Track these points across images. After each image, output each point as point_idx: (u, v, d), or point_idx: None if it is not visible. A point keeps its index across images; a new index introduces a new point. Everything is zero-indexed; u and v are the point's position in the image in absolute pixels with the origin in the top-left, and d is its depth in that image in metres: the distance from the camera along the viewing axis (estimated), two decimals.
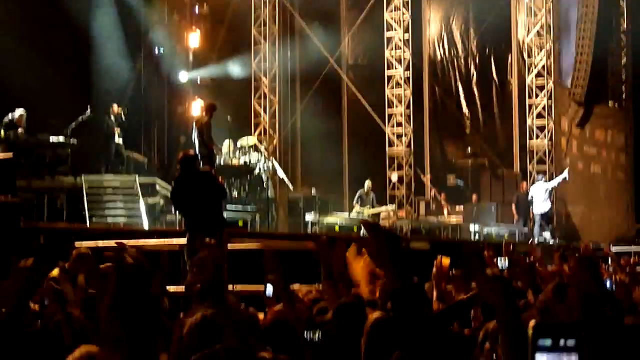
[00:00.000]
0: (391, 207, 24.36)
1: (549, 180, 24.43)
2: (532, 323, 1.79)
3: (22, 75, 20.16)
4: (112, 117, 21.05)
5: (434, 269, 7.02)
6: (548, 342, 1.73)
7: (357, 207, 23.05)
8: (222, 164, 20.37)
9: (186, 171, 14.03)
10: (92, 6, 22.91)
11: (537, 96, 25.84)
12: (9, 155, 17.00)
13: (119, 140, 20.90)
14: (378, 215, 23.29)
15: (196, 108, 23.60)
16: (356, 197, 23.46)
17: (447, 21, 28.41)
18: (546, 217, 24.12)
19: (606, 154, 29.71)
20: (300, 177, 25.82)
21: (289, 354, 4.88)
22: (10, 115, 18.73)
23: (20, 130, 18.60)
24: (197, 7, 26.81)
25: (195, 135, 18.95)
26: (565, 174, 24.43)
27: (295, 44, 28.21)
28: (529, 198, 24.24)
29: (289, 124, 27.97)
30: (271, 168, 22.22)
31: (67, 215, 18.04)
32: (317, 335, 5.12)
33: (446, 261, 8.15)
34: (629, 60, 30.41)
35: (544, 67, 25.76)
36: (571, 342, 1.72)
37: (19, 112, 18.70)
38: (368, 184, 24.03)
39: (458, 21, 28.27)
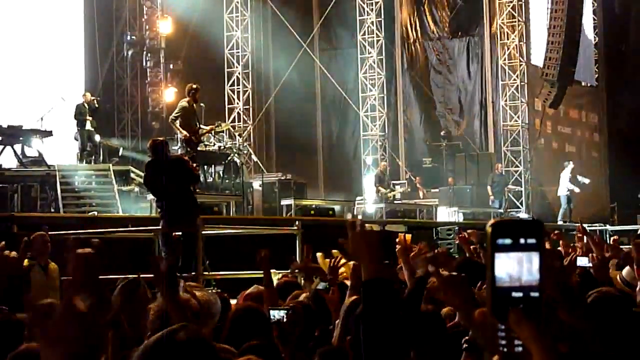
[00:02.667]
0: (401, 189, 24.44)
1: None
2: (491, 221, 1.74)
3: None
4: (85, 105, 20.96)
5: (398, 247, 6.99)
6: (507, 241, 1.69)
7: (381, 189, 23.17)
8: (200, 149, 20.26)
9: (156, 157, 13.96)
10: None
11: (509, 77, 25.90)
12: None
13: (90, 127, 20.80)
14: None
15: (169, 94, 23.57)
16: (374, 179, 23.60)
17: (420, 3, 28.30)
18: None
19: (580, 133, 29.87)
20: (275, 161, 25.67)
21: (259, 336, 4.83)
22: None
23: None
24: None
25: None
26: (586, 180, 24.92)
27: (268, 30, 28.08)
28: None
29: (262, 110, 27.82)
30: (245, 153, 22.27)
31: (40, 204, 18.00)
32: (282, 314, 5.08)
33: (408, 237, 8.16)
34: (600, 39, 30.59)
35: (516, 47, 25.84)
36: (531, 241, 1.68)
37: None
38: (382, 164, 24.35)
39: (430, 3, 28.20)
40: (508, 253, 1.66)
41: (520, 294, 1.63)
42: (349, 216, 21.35)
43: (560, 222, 22.74)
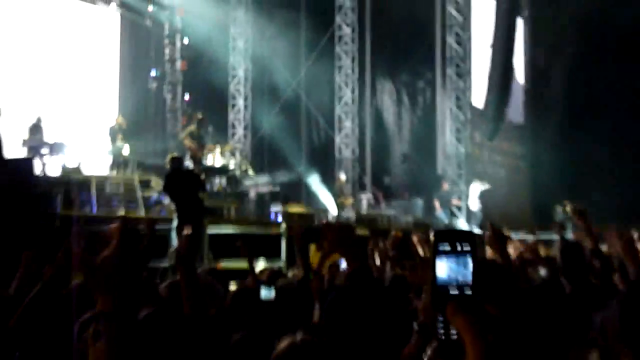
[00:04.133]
0: (365, 200, 24.51)
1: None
2: (434, 230, 1.77)
3: None
4: (117, 126, 21.03)
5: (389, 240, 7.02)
6: (447, 247, 1.70)
7: (342, 198, 23.30)
8: (207, 164, 20.37)
9: (173, 168, 14.14)
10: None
11: (456, 116, 25.91)
12: (30, 155, 17.12)
13: (121, 144, 20.84)
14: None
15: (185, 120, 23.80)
16: (334, 188, 23.70)
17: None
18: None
19: (509, 161, 29.99)
20: (267, 176, 25.61)
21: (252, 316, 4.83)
22: (33, 120, 18.88)
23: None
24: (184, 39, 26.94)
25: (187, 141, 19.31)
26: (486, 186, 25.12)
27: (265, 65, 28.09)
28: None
29: (258, 134, 27.89)
30: (244, 169, 22.35)
31: (78, 205, 18.00)
32: (271, 293, 5.09)
33: (399, 234, 8.16)
34: (527, 86, 30.77)
35: (461, 92, 25.89)
36: (466, 246, 1.69)
37: (38, 116, 18.95)
38: (343, 176, 24.43)
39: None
40: (447, 256, 1.67)
41: (456, 291, 1.64)
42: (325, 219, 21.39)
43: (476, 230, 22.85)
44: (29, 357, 4.19)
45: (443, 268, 1.66)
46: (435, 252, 1.68)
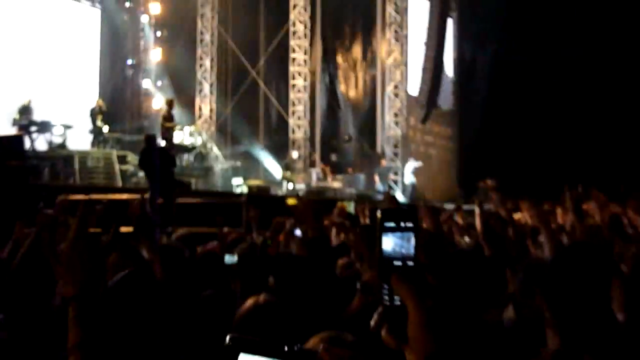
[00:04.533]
0: (315, 174, 24.44)
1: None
2: (380, 209, 1.70)
3: None
4: (97, 108, 20.88)
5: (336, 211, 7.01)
6: (392, 224, 1.66)
7: (288, 173, 23.23)
8: (176, 142, 20.26)
9: (148, 146, 14.01)
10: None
11: (394, 102, 26.00)
12: (20, 132, 16.90)
13: (101, 124, 20.69)
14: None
15: (157, 102, 23.56)
16: (284, 163, 23.62)
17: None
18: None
19: (439, 141, 30.17)
20: (230, 153, 25.50)
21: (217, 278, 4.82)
22: (23, 102, 18.68)
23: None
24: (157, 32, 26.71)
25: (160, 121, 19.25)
26: (419, 163, 25.28)
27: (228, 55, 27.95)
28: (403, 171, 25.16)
29: (222, 115, 27.79)
30: (209, 148, 22.31)
31: (63, 177, 17.87)
32: (234, 259, 5.07)
33: (343, 204, 8.15)
34: (455, 77, 30.90)
35: (400, 82, 25.98)
36: (409, 224, 1.66)
37: (28, 99, 18.71)
38: (293, 154, 24.36)
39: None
40: (392, 233, 1.65)
41: (400, 263, 1.63)
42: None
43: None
44: (14, 320, 4.07)
45: (388, 243, 1.64)
46: (382, 229, 1.65)
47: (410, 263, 1.63)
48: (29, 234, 5.42)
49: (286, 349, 1.60)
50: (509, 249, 6.04)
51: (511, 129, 26.78)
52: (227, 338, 1.56)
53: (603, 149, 26.32)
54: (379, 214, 1.69)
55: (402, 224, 1.66)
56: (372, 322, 1.57)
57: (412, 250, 1.64)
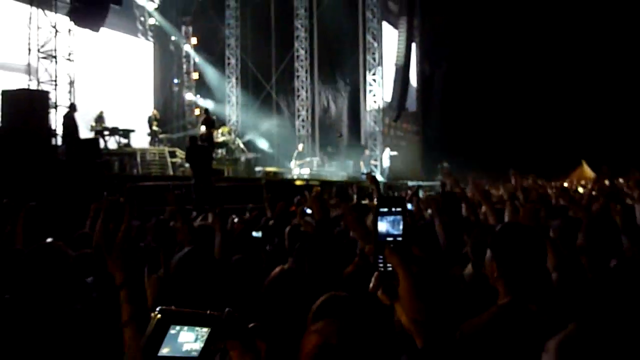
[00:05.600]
0: (315, 162, 24.13)
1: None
2: (377, 198, 1.70)
3: None
4: (152, 116, 20.84)
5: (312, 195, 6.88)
6: (385, 209, 1.63)
7: (295, 162, 23.05)
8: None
9: (192, 144, 13.95)
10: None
11: (372, 106, 25.91)
12: (96, 136, 16.91)
13: (156, 128, 20.62)
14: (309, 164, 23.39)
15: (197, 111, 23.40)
16: (294, 154, 23.42)
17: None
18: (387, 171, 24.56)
19: (408, 135, 30.08)
20: (252, 149, 25.40)
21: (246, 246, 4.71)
22: (97, 113, 18.68)
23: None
24: (196, 58, 26.55)
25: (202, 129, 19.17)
26: (393, 152, 25.18)
27: (249, 75, 27.76)
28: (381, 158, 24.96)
29: (245, 121, 27.71)
30: (237, 144, 22.22)
31: (129, 168, 17.86)
32: (259, 233, 4.98)
33: (317, 189, 7.94)
34: (419, 86, 30.79)
35: (377, 91, 25.82)
36: (399, 209, 1.63)
37: (101, 110, 18.72)
38: (301, 146, 24.20)
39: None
40: (386, 216, 1.63)
41: (391, 239, 1.61)
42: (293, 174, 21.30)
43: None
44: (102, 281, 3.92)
45: (383, 225, 1.62)
46: (378, 213, 1.62)
47: (399, 239, 1.61)
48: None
49: (210, 314, 1.36)
50: (463, 218, 6.00)
51: (461, 125, 26.84)
52: (157, 311, 1.29)
53: (528, 142, 26.41)
54: (375, 202, 1.65)
55: (393, 209, 1.63)
56: (371, 285, 1.56)
57: (400, 230, 1.62)
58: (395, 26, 27.48)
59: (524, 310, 2.43)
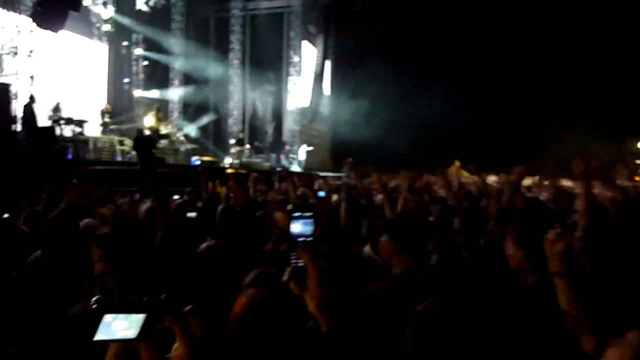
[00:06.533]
0: (248, 152, 23.58)
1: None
2: (291, 204, 1.65)
3: None
4: (105, 109, 19.92)
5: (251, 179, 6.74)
6: (298, 214, 1.60)
7: (234, 149, 22.53)
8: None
9: (138, 135, 13.42)
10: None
11: (294, 110, 25.79)
12: (53, 125, 15.98)
13: (107, 120, 19.70)
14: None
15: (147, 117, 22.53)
16: (234, 142, 22.90)
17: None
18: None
19: (320, 134, 30.17)
20: (190, 140, 24.79)
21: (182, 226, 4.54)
22: (55, 104, 17.57)
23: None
24: (144, 62, 25.50)
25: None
26: (309, 148, 25.21)
27: (189, 78, 26.94)
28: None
29: (185, 117, 26.94)
30: (178, 136, 21.63)
31: (81, 154, 16.98)
32: (194, 214, 4.75)
33: (254, 174, 7.80)
34: (331, 93, 30.88)
35: (297, 98, 25.72)
36: (309, 213, 1.61)
37: (58, 101, 17.63)
38: (240, 135, 23.73)
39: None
40: (298, 220, 1.59)
41: (303, 239, 1.58)
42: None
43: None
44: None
45: (296, 227, 1.58)
46: (291, 217, 1.58)
47: (309, 239, 1.59)
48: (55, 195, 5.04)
49: (145, 301, 1.25)
50: (362, 204, 6.04)
51: (363, 128, 27.17)
52: (93, 301, 1.19)
53: (412, 143, 27.16)
54: (290, 207, 1.62)
55: (305, 214, 1.60)
56: (284, 277, 1.55)
57: (310, 232, 1.59)
58: (314, 44, 27.53)
59: (414, 276, 2.54)
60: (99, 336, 1.19)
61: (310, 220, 1.61)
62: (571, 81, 27.72)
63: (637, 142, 29.30)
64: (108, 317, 1.19)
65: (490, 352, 2.11)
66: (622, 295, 2.50)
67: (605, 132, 26.83)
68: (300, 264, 1.56)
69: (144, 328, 1.24)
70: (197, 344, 1.35)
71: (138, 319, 1.23)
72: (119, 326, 1.20)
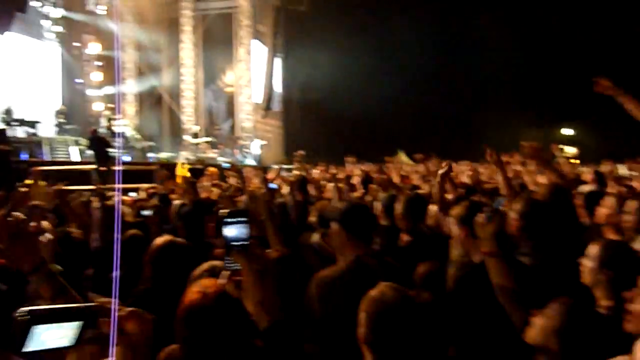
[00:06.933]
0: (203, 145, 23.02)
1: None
2: (225, 210, 1.64)
3: None
4: (60, 110, 19.13)
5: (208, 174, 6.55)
6: (232, 220, 1.60)
7: (190, 140, 22.00)
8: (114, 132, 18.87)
9: (93, 134, 12.92)
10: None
11: (246, 106, 25.58)
12: (5, 127, 15.16)
13: (62, 120, 18.98)
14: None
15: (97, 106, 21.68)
16: (190, 135, 22.34)
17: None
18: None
19: (273, 129, 29.96)
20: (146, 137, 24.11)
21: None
22: (6, 106, 16.70)
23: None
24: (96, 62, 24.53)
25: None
26: (262, 142, 24.94)
27: (144, 73, 26.11)
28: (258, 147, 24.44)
29: (142, 114, 26.14)
30: (133, 134, 21.01)
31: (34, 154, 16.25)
32: (149, 212, 4.58)
33: (213, 169, 7.61)
34: (284, 91, 30.71)
35: (249, 95, 25.54)
36: (244, 219, 1.61)
37: (10, 104, 16.76)
38: (196, 128, 23.19)
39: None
40: (233, 225, 1.58)
41: (238, 243, 1.57)
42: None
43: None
44: None
45: (231, 231, 1.58)
46: (224, 223, 1.58)
47: (245, 243, 1.58)
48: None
49: (77, 308, 1.15)
50: (309, 195, 6.00)
51: (312, 123, 27.24)
52: (19, 313, 1.06)
53: (359, 136, 27.39)
54: (223, 212, 1.60)
55: (239, 219, 1.59)
56: (221, 281, 1.55)
57: (245, 236, 1.58)
58: (264, 43, 27.27)
59: (365, 263, 2.51)
60: (29, 347, 1.07)
61: (246, 225, 1.58)
62: (501, 69, 28.45)
63: (561, 128, 30.57)
64: (38, 328, 1.08)
65: (443, 329, 2.13)
66: (556, 273, 2.55)
67: (534, 119, 27.89)
68: (237, 267, 1.55)
69: (80, 335, 1.14)
70: (135, 348, 1.24)
71: (72, 326, 1.13)
72: (50, 336, 1.10)
